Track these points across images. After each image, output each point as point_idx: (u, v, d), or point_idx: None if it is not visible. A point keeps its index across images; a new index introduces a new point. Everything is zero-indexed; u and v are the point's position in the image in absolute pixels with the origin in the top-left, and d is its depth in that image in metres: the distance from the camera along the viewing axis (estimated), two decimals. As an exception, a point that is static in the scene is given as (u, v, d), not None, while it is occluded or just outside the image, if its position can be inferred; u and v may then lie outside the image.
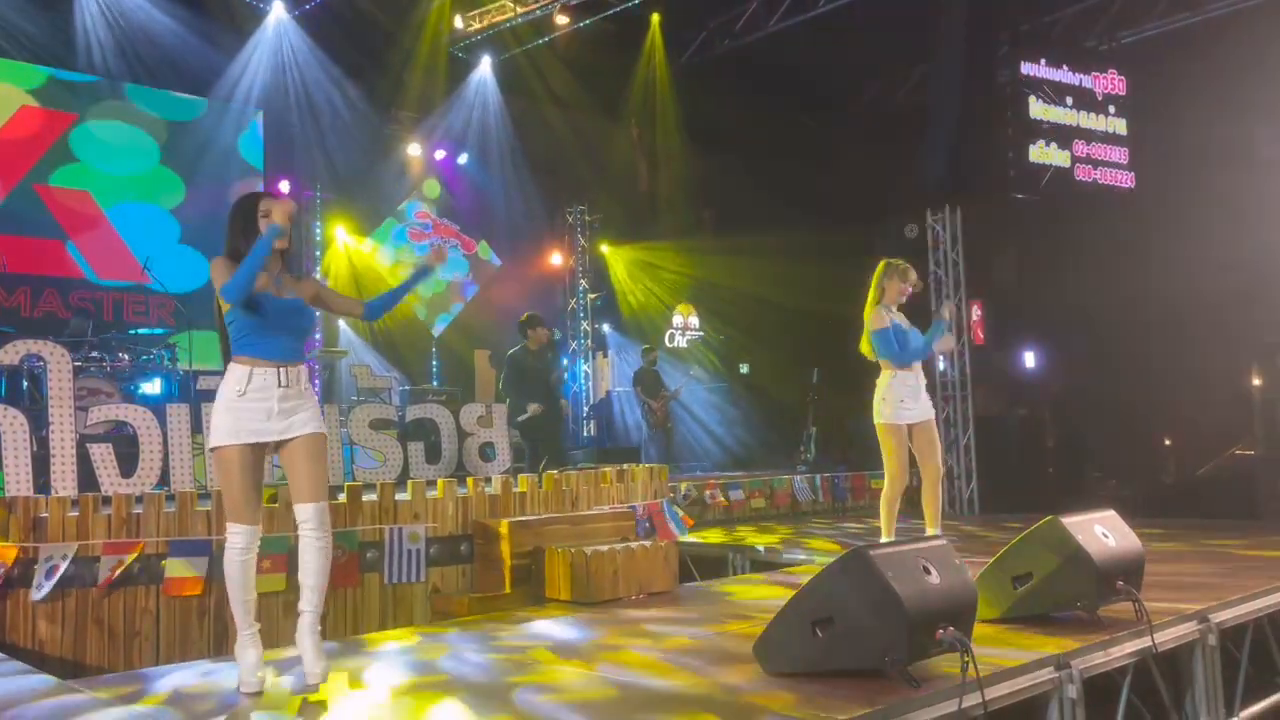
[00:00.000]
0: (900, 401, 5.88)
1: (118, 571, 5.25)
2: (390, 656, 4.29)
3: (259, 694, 3.62)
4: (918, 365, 6.04)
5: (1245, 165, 15.21)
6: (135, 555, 5.31)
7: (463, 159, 15.35)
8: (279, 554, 5.48)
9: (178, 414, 7.35)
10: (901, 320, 6.07)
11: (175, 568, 5.36)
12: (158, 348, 9.89)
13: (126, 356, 9.45)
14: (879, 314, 5.93)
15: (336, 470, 8.18)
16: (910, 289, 6.05)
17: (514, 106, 15.04)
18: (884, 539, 5.90)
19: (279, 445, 3.72)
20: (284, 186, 13.12)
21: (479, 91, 14.99)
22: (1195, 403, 14.89)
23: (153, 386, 9.51)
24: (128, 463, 7.07)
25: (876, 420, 5.96)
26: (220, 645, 5.35)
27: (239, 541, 3.65)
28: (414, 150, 14.84)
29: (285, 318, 3.74)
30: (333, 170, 13.62)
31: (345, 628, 5.67)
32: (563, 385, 9.31)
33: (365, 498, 5.99)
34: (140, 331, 10.57)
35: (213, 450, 3.68)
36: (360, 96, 13.54)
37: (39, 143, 11.65)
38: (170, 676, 4.00)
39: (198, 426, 7.40)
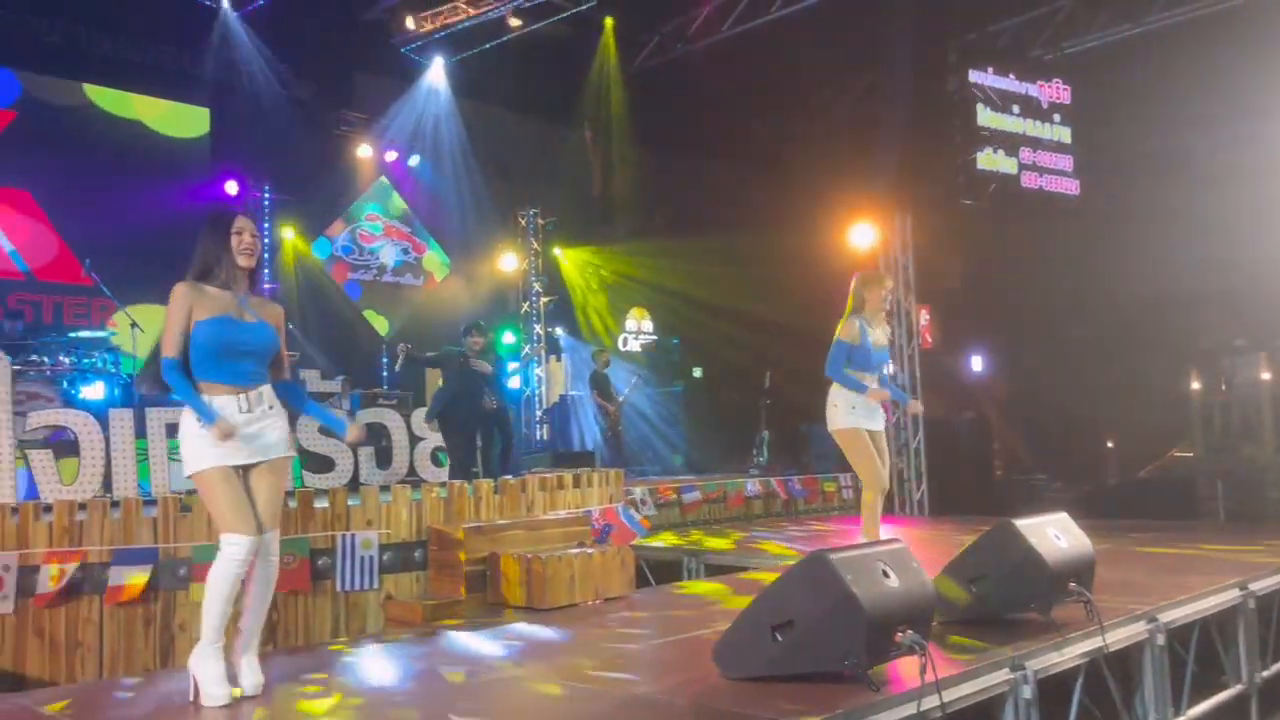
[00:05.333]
0: (852, 408, 5.92)
1: (60, 583, 5.10)
2: (343, 665, 4.21)
3: (226, 707, 3.50)
4: (871, 375, 6.08)
5: (1184, 175, 15.63)
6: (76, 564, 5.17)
7: (414, 161, 15.21)
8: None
9: (120, 419, 7.17)
10: (882, 331, 6.12)
11: (119, 577, 5.23)
12: (100, 350, 9.65)
13: (67, 360, 9.20)
14: (849, 324, 5.96)
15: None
16: (888, 296, 6.12)
17: (466, 109, 14.94)
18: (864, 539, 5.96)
19: (244, 469, 3.66)
20: (231, 187, 12.89)
21: (430, 93, 14.87)
22: (1137, 405, 15.25)
23: (94, 390, 9.26)
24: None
25: (835, 427, 5.96)
26: (167, 657, 5.23)
27: (238, 553, 3.54)
28: (364, 152, 14.68)
29: (247, 343, 3.66)
30: (282, 171, 13.41)
31: (297, 635, 5.57)
32: (490, 390, 9.21)
33: (317, 504, 5.89)
34: (81, 334, 10.30)
35: (198, 474, 3.59)
36: (310, 97, 13.36)
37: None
38: (114, 689, 3.89)
39: (141, 431, 7.22)
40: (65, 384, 8.91)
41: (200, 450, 3.56)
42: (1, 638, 5.03)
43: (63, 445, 7.16)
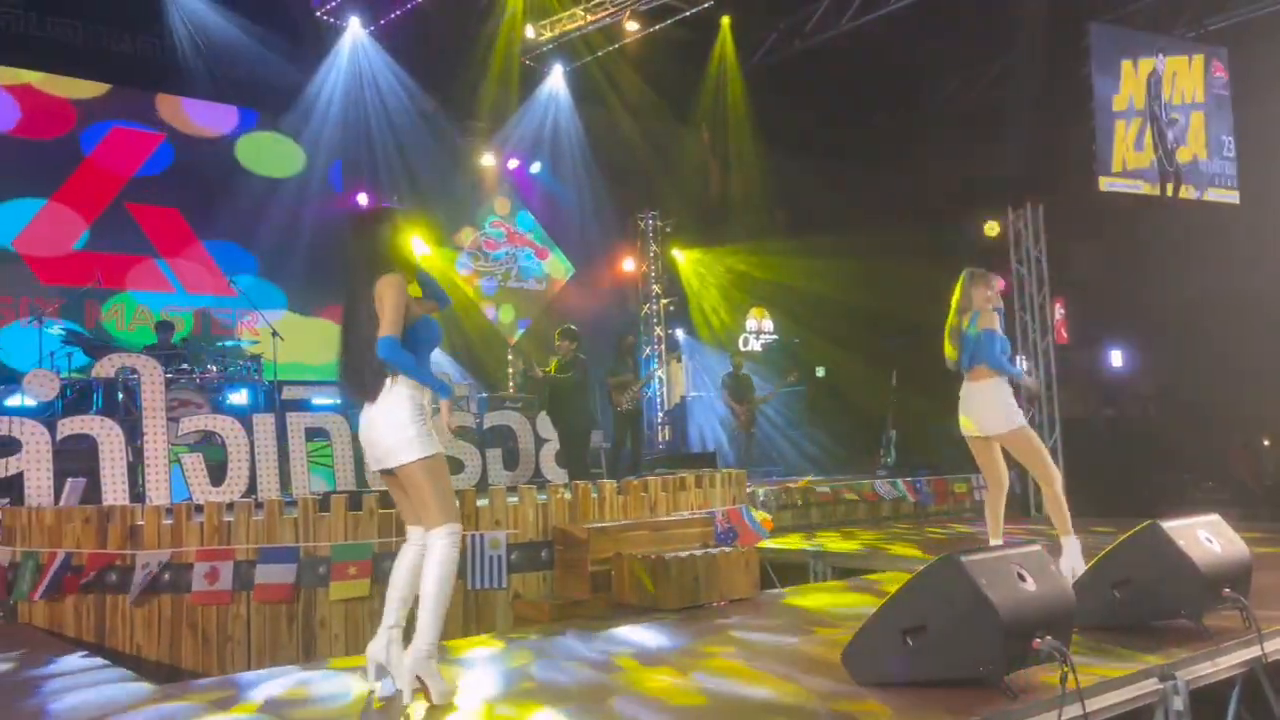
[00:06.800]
0: (1013, 404, 5.73)
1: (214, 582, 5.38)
2: (478, 664, 4.30)
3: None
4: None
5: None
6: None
7: (535, 168, 15.50)
8: (363, 560, 5.58)
9: (263, 424, 7.53)
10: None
11: (266, 575, 5.48)
12: (244, 360, 10.15)
13: (215, 368, 9.71)
14: (991, 316, 5.77)
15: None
16: (995, 293, 5.92)
17: (585, 114, 15.13)
18: (994, 542, 5.79)
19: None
20: (361, 198, 13.38)
21: (550, 100, 15.12)
22: (1296, 401, 14.24)
23: (240, 397, 9.76)
24: (217, 472, 7.26)
25: (1006, 429, 5.67)
26: (309, 651, 5.45)
27: (458, 540, 3.63)
28: (488, 160, 15.02)
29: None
30: (409, 181, 13.84)
31: (429, 634, 5.72)
32: (580, 395, 9.58)
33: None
34: (227, 344, 10.87)
35: (428, 458, 3.61)
36: (435, 108, 13.76)
37: (130, 162, 12.09)
38: (264, 683, 4.07)
39: (283, 435, 7.56)
40: (213, 391, 9.41)
41: (429, 434, 3.63)
42: (158, 631, 5.34)
43: (211, 449, 7.57)
